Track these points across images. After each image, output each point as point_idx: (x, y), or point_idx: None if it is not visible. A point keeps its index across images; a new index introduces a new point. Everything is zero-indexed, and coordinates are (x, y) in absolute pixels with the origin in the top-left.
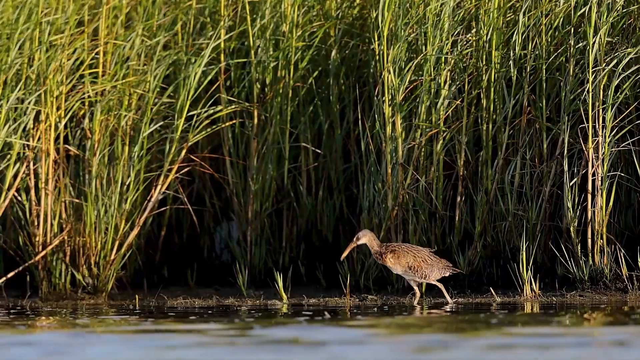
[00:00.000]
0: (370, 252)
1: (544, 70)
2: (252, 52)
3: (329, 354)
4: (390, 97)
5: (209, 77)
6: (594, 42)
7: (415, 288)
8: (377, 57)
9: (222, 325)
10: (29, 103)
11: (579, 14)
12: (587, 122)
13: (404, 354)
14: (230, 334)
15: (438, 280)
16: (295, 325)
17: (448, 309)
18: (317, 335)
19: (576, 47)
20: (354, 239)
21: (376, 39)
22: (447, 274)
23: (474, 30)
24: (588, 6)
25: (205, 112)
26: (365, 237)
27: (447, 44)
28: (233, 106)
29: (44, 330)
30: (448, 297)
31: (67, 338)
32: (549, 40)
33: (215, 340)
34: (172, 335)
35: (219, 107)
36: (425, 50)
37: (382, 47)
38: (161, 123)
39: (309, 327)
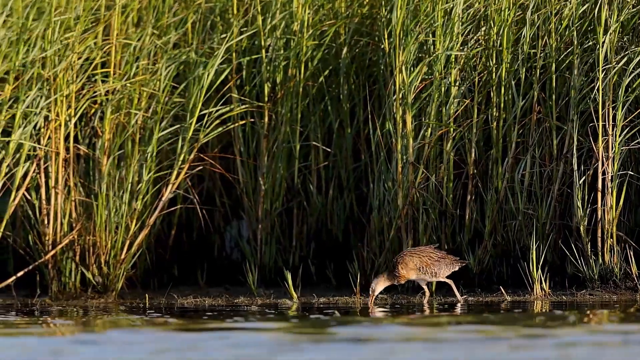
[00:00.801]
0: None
1: (554, 69)
2: (263, 51)
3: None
4: (400, 95)
5: (222, 77)
6: (603, 41)
7: (425, 287)
8: (387, 56)
9: (284, 324)
10: (39, 102)
11: (581, 10)
12: (597, 121)
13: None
14: (298, 332)
15: (448, 277)
16: (356, 324)
17: (459, 308)
18: (385, 334)
19: (585, 46)
20: (370, 292)
21: (386, 37)
22: (456, 268)
23: (484, 29)
24: (598, 5)
25: (217, 111)
26: (379, 284)
27: (457, 43)
28: (244, 106)
29: (106, 328)
30: (458, 295)
31: (135, 336)
32: (559, 38)
33: (289, 337)
34: (237, 333)
35: (231, 107)
36: (435, 49)
37: (392, 46)
38: (175, 125)
39: (371, 325)
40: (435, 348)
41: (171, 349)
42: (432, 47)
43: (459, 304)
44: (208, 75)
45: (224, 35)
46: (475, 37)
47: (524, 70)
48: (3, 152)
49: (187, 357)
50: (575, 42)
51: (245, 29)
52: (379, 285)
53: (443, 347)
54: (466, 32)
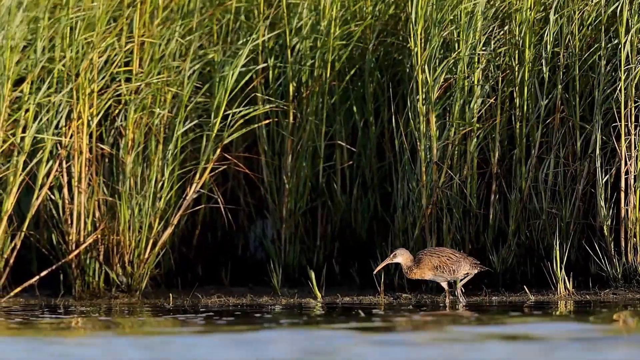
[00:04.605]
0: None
1: (577, 68)
2: (289, 50)
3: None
4: (424, 95)
5: (247, 77)
6: (625, 41)
7: (446, 287)
8: (413, 56)
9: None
10: (60, 101)
11: (610, 10)
12: (620, 121)
13: None
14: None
15: (467, 279)
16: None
17: (460, 309)
18: (539, 331)
19: (607, 45)
20: (391, 255)
21: (412, 37)
22: (475, 271)
23: (507, 28)
24: (619, 5)
25: (241, 111)
26: (402, 257)
27: (480, 42)
28: (269, 106)
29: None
30: (461, 298)
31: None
32: (582, 38)
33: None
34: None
35: (255, 107)
36: (459, 48)
37: (412, 44)
38: (196, 122)
39: (522, 323)
40: None
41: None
42: (456, 44)
43: (461, 305)
44: (233, 75)
45: (250, 37)
46: (498, 37)
47: (547, 69)
48: (21, 148)
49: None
50: (604, 40)
51: (271, 23)
52: (400, 259)
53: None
54: (489, 30)
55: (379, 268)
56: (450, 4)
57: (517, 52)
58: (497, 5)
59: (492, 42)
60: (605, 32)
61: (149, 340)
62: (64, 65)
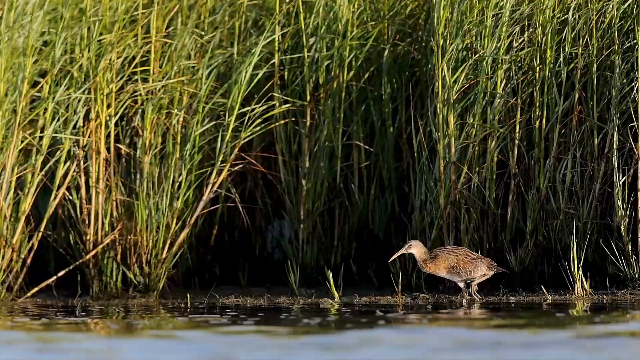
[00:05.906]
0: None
1: (595, 69)
2: (305, 50)
3: None
4: (444, 95)
5: (259, 75)
6: None
7: (462, 287)
8: (433, 56)
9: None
10: (78, 102)
11: (622, 10)
12: (637, 121)
13: None
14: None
15: (481, 281)
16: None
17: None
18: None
19: (625, 46)
20: (406, 246)
21: (433, 37)
22: (492, 273)
23: (530, 30)
24: (637, 6)
25: (259, 109)
26: (416, 248)
27: (504, 44)
28: (286, 105)
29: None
30: (475, 295)
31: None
32: (600, 38)
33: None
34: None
35: (271, 103)
36: (482, 49)
37: (432, 45)
38: (214, 123)
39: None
40: None
41: None
42: (480, 47)
43: (464, 300)
44: (246, 73)
45: (263, 36)
46: (521, 38)
47: (566, 70)
48: (40, 147)
49: None
50: (617, 42)
51: (288, 23)
52: (414, 250)
53: None
54: (512, 32)
55: (393, 257)
56: (474, 5)
57: (538, 53)
58: (522, 7)
59: (515, 44)
60: (618, 32)
61: (228, 340)
62: (81, 66)
